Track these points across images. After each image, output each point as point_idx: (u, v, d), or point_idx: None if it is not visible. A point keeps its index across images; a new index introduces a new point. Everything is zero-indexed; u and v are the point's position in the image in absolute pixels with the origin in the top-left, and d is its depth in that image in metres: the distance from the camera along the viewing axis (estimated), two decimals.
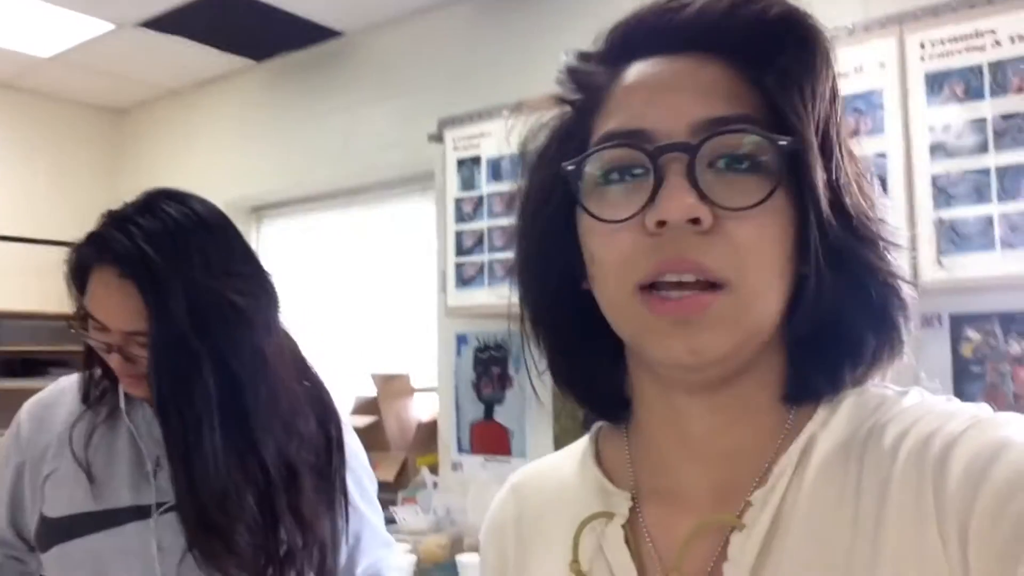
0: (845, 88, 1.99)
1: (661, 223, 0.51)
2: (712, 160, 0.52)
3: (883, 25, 2.00)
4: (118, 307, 1.06)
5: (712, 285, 0.52)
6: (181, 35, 3.53)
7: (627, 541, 0.59)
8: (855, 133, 1.99)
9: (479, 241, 2.70)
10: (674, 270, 0.51)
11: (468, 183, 2.75)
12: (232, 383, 1.07)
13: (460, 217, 2.76)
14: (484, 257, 2.69)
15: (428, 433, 3.19)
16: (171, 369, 1.05)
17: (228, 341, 1.07)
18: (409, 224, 3.49)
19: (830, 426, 0.56)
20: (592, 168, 0.55)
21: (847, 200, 0.54)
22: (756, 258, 0.52)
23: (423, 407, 3.33)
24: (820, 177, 0.53)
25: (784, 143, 0.52)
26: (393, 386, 3.30)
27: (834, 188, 0.54)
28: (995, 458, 0.48)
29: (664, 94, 0.54)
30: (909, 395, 0.56)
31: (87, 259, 1.10)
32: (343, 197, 3.70)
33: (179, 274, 1.05)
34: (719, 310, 0.52)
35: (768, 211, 0.52)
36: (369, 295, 3.60)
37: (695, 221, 0.51)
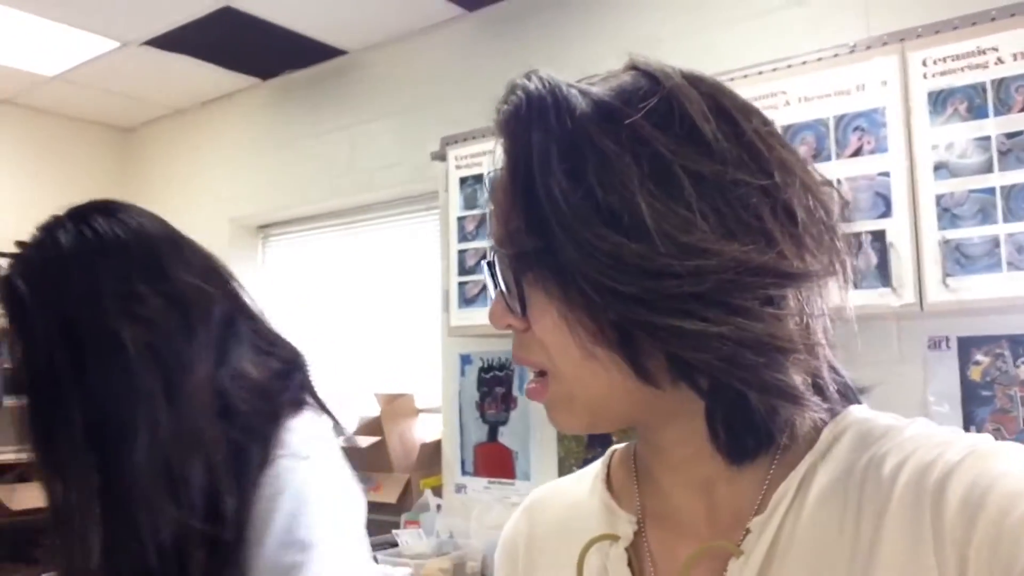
0: (848, 106, 1.99)
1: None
2: (505, 275, 0.58)
3: (885, 43, 1.98)
4: (8, 338, 0.98)
5: (543, 372, 0.58)
6: (186, 53, 3.54)
7: (630, 564, 0.61)
8: (856, 152, 1.98)
9: (482, 260, 2.69)
10: (517, 361, 0.60)
11: (471, 202, 2.74)
12: (107, 433, 0.90)
13: (463, 236, 2.75)
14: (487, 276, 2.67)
15: (432, 454, 3.17)
16: (34, 413, 0.94)
17: (105, 381, 0.91)
18: (413, 243, 3.48)
19: (831, 455, 0.56)
20: None
21: (605, 275, 0.51)
22: (556, 347, 0.56)
23: (427, 428, 3.31)
24: (564, 259, 0.53)
25: (503, 252, 0.56)
26: (397, 406, 3.28)
27: (586, 265, 0.52)
28: (991, 487, 0.48)
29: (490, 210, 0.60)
30: (912, 425, 0.56)
31: None
32: (347, 216, 3.69)
33: (47, 304, 0.94)
34: (554, 394, 0.58)
35: (538, 307, 0.55)
36: (373, 314, 3.59)
37: (510, 327, 0.58)
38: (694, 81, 0.56)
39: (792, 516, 0.55)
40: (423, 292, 3.33)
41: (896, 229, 1.92)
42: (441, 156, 2.86)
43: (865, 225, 1.96)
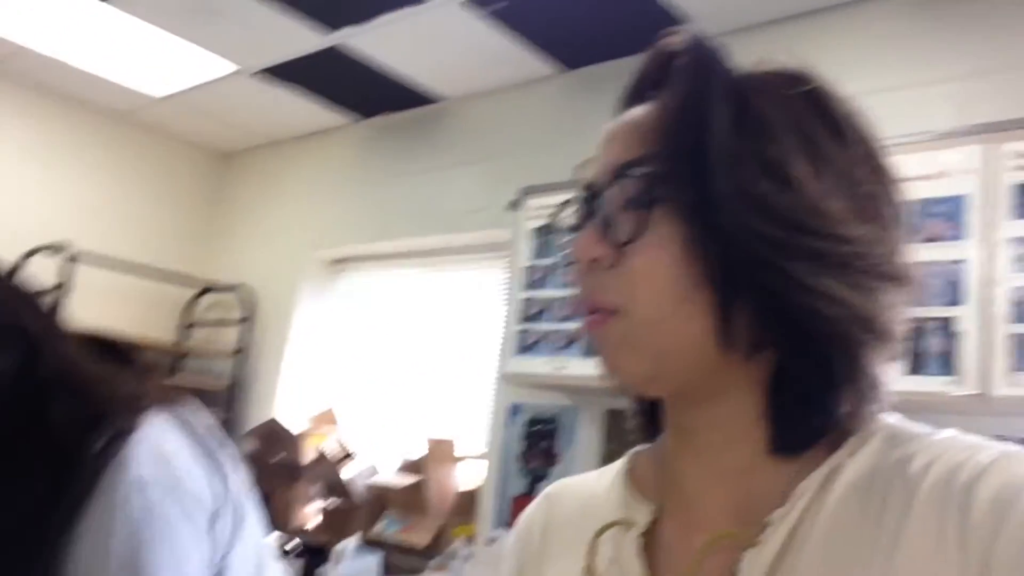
0: (929, 191, 1.98)
1: (574, 262, 0.59)
2: (623, 202, 0.57)
3: (972, 132, 1.98)
4: None
5: (613, 311, 0.57)
6: (293, 86, 3.73)
7: (644, 551, 0.60)
8: (933, 238, 1.95)
9: (544, 309, 2.71)
10: (585, 305, 0.59)
11: (541, 251, 2.78)
12: None
13: (529, 284, 2.78)
14: (547, 326, 2.69)
15: (469, 502, 3.14)
16: None
17: None
18: (481, 288, 3.53)
19: (859, 455, 0.56)
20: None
21: (752, 216, 0.53)
22: (647, 284, 0.55)
23: (466, 475, 3.29)
24: (714, 191, 0.54)
25: (638, 173, 0.56)
26: (440, 450, 3.28)
27: (735, 202, 0.54)
28: (1022, 488, 0.48)
29: (603, 147, 0.61)
30: (943, 432, 0.56)
31: None
32: (421, 257, 3.78)
33: None
34: (622, 333, 0.57)
35: (656, 239, 0.55)
36: (432, 355, 3.63)
37: (595, 260, 0.57)
38: (833, 86, 0.61)
39: (813, 510, 0.55)
40: (484, 340, 3.36)
41: (966, 317, 1.88)
42: (516, 204, 2.92)
43: (934, 311, 1.92)
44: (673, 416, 0.62)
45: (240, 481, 0.98)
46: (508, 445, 3.00)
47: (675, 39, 0.59)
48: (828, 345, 0.54)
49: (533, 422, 2.96)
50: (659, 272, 0.55)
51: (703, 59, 0.57)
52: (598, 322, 0.58)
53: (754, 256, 0.53)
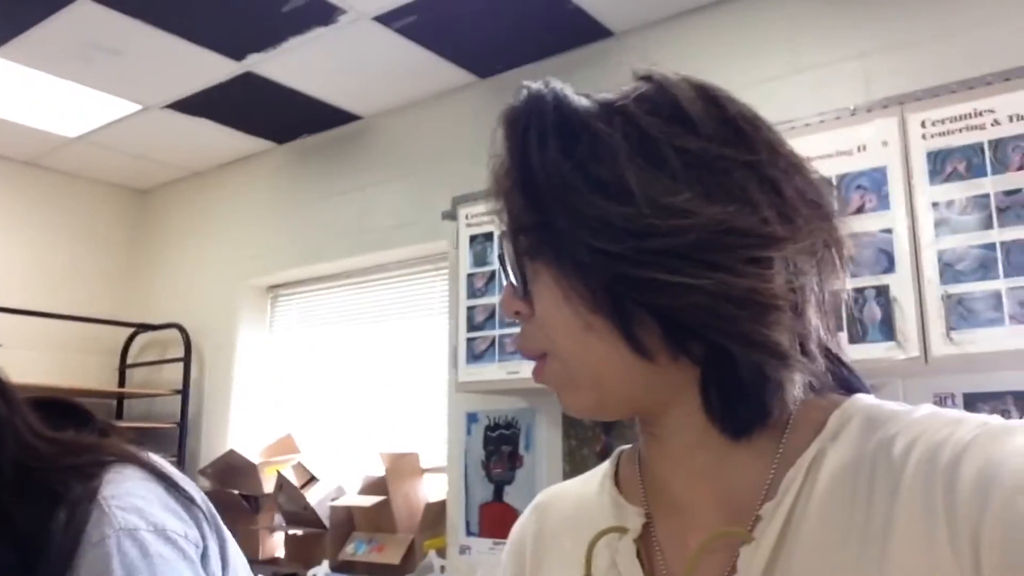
0: (849, 166, 2.05)
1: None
2: (512, 261, 0.61)
3: (885, 106, 2.05)
4: None
5: (544, 355, 0.61)
6: (206, 117, 3.65)
7: (639, 555, 0.61)
8: (859, 210, 2.03)
9: (490, 316, 2.72)
10: (522, 352, 0.63)
11: (480, 259, 2.79)
12: None
13: (472, 292, 2.79)
14: (495, 332, 2.70)
15: (436, 514, 3.14)
16: None
17: None
18: (421, 302, 3.52)
19: (840, 439, 0.57)
20: None
21: (595, 238, 0.54)
22: (553, 326, 0.59)
23: (432, 487, 3.29)
24: (557, 228, 0.56)
25: (506, 234, 0.60)
26: (402, 465, 3.27)
27: (576, 231, 0.55)
28: (1005, 465, 0.48)
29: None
30: (919, 409, 0.56)
31: None
32: (357, 276, 3.75)
33: None
34: (556, 373, 0.60)
35: (541, 286, 0.59)
36: (381, 373, 3.61)
37: (517, 313, 0.61)
38: (687, 77, 0.61)
39: (802, 500, 0.55)
40: (431, 351, 3.35)
41: (899, 284, 1.96)
42: (452, 215, 2.93)
43: (869, 280, 2.00)
44: (641, 425, 0.64)
45: (214, 516, 1.00)
46: (469, 453, 3.01)
47: (516, 98, 0.61)
48: (715, 330, 0.54)
49: (492, 427, 2.97)
50: (556, 314, 0.58)
51: (529, 112, 0.59)
52: (539, 369, 0.61)
53: (614, 273, 0.54)
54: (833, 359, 0.61)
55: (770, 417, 0.57)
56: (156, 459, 1.00)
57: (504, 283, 0.63)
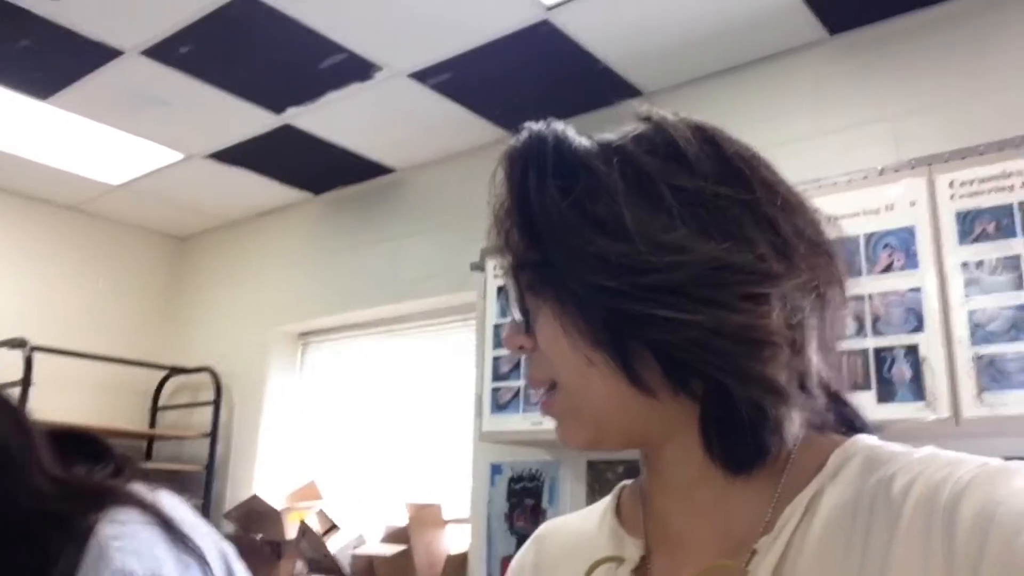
0: (876, 225, 2.05)
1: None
2: (515, 296, 0.63)
3: (913, 166, 2.06)
4: None
5: (552, 385, 0.61)
6: (245, 167, 3.75)
7: None
8: (887, 268, 2.02)
9: (515, 366, 2.73)
10: (530, 384, 0.64)
11: (507, 310, 2.81)
12: None
13: (498, 343, 2.80)
14: (520, 383, 2.71)
15: (458, 566, 3.11)
16: None
17: None
18: (448, 352, 3.54)
19: (839, 478, 0.56)
20: None
21: (592, 274, 0.56)
22: (559, 357, 0.59)
23: (454, 539, 3.26)
24: (556, 264, 0.58)
25: (507, 271, 0.62)
26: (424, 516, 3.25)
27: (575, 267, 0.56)
28: (1004, 505, 0.47)
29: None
30: (920, 450, 0.56)
31: None
32: (387, 325, 3.78)
33: None
34: (561, 406, 0.61)
35: (543, 321, 0.60)
36: (407, 422, 3.61)
37: (521, 347, 0.62)
38: (685, 118, 0.62)
39: (799, 536, 0.55)
40: (457, 402, 3.36)
41: (929, 343, 1.94)
42: (480, 266, 2.96)
43: (898, 339, 1.98)
44: (643, 459, 0.65)
45: (229, 565, 1.00)
46: (493, 505, 2.99)
47: (517, 139, 0.63)
48: (711, 366, 0.54)
49: (516, 480, 2.96)
50: (558, 348, 0.59)
51: (529, 152, 0.61)
52: (547, 402, 0.62)
53: (611, 309, 0.55)
54: (837, 399, 0.62)
55: (768, 454, 0.57)
56: (166, 504, 1.00)
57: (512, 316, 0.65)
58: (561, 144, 0.61)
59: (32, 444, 0.98)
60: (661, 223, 0.56)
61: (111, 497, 0.96)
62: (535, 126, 0.63)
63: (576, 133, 0.62)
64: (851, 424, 0.62)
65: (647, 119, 0.62)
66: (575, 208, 0.57)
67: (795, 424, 0.56)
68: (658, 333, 0.55)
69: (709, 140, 0.60)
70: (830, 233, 0.60)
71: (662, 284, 0.54)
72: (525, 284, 0.61)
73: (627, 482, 0.72)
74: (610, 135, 0.62)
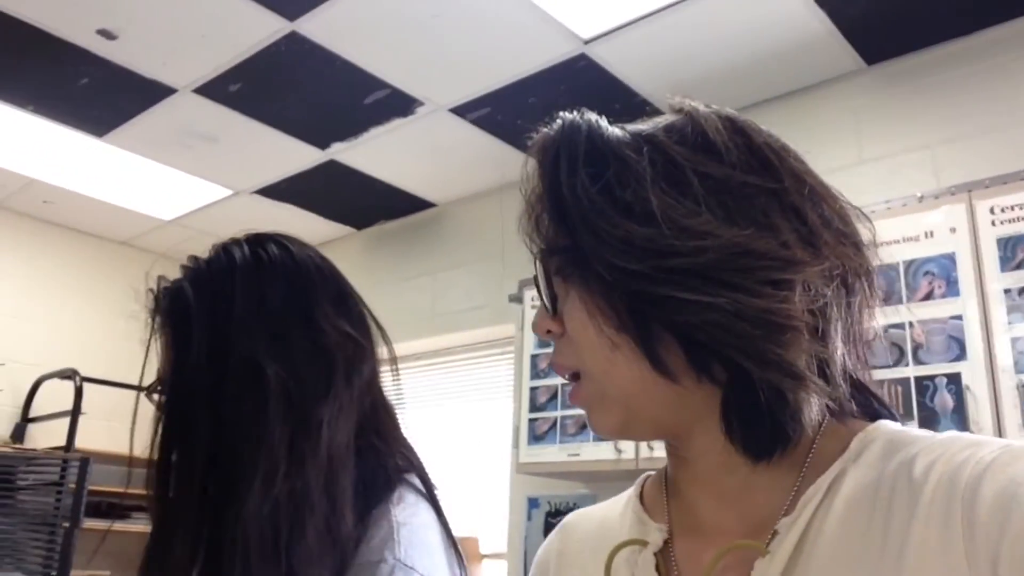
0: (916, 252, 2.03)
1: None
2: (544, 280, 0.63)
3: (953, 193, 2.04)
4: (159, 357, 0.97)
5: (577, 375, 0.62)
6: (290, 203, 3.84)
7: (658, 569, 0.62)
8: (928, 296, 2.00)
9: (552, 397, 2.73)
10: (555, 369, 0.64)
11: (544, 340, 2.81)
12: (224, 471, 0.85)
13: (535, 374, 2.81)
14: (557, 413, 2.70)
15: None
16: (166, 425, 0.91)
17: (236, 415, 0.85)
18: (489, 386, 3.55)
19: (861, 461, 0.57)
20: None
21: (618, 257, 0.56)
22: (583, 345, 0.60)
23: (490, 573, 3.23)
24: (584, 248, 0.58)
25: (537, 254, 0.63)
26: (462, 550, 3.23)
27: (601, 251, 0.57)
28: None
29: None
30: (942, 434, 0.56)
31: None
32: (428, 358, 3.81)
33: (207, 315, 0.91)
34: (588, 393, 0.61)
35: (571, 305, 0.60)
36: (448, 454, 3.62)
37: (549, 332, 0.62)
38: (717, 110, 0.63)
39: (820, 517, 0.55)
40: (495, 435, 3.36)
41: (972, 372, 1.90)
42: (518, 298, 2.98)
43: (940, 368, 1.95)
44: (669, 447, 0.65)
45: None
46: (529, 539, 2.97)
47: (551, 126, 0.65)
48: (731, 349, 0.55)
49: (553, 514, 2.93)
50: (585, 332, 0.59)
51: (562, 140, 0.63)
52: (575, 391, 0.62)
53: (635, 291, 0.56)
54: (863, 389, 0.62)
55: (788, 440, 0.57)
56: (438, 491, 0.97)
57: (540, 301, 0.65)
58: (593, 133, 0.62)
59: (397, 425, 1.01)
60: (687, 208, 0.56)
61: (406, 474, 0.94)
62: (568, 115, 0.64)
63: (608, 123, 0.64)
64: (876, 415, 0.61)
65: (679, 110, 0.64)
66: (604, 194, 0.58)
67: (814, 410, 0.56)
68: (680, 315, 0.55)
69: (739, 131, 0.61)
70: (858, 226, 0.61)
71: (685, 267, 0.55)
72: (554, 269, 0.62)
73: (649, 473, 0.73)
74: (642, 125, 0.64)
